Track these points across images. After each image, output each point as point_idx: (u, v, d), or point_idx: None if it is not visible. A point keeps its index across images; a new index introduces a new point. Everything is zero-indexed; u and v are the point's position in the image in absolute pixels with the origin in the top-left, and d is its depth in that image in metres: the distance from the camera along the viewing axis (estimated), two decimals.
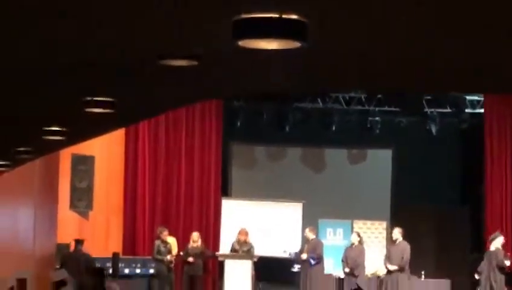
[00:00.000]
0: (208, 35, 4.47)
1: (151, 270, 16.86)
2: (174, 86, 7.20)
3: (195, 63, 5.78)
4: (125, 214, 18.04)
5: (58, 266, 14.74)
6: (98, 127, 9.82)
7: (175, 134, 18.58)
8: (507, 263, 16.11)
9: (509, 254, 16.51)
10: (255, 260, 16.89)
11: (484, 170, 18.95)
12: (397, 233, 16.91)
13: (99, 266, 14.29)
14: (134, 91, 7.38)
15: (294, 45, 3.98)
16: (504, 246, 16.54)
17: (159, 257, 16.68)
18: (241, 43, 3.97)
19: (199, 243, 17.08)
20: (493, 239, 16.35)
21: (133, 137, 18.19)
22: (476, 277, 16.47)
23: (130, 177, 18.13)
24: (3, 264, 13.92)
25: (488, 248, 16.52)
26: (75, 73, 6.28)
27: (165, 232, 16.90)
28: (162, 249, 16.71)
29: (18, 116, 8.53)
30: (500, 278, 15.90)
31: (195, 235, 17.11)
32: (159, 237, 16.89)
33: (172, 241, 16.97)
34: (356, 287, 16.62)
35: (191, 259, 16.79)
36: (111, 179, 17.76)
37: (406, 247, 16.65)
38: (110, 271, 16.00)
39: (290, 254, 17.69)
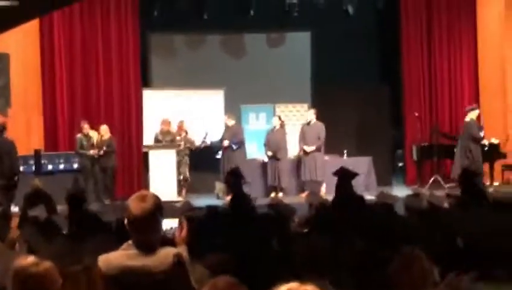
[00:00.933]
0: None
1: (75, 165, 16.77)
2: None
3: None
4: (45, 110, 17.78)
5: None
6: (5, 21, 9.56)
7: (90, 26, 18.19)
8: (481, 134, 16.57)
9: (483, 125, 17.12)
10: (180, 149, 16.96)
11: (401, 47, 19.18)
12: (311, 114, 17.23)
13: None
14: None
15: None
16: (479, 118, 16.98)
17: (82, 151, 16.58)
18: None
19: (107, 135, 16.93)
20: (469, 111, 16.72)
21: (47, 31, 17.77)
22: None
23: (47, 72, 17.78)
24: None
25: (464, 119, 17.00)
26: None
27: (86, 126, 16.77)
28: (84, 143, 16.61)
29: None
30: (475, 147, 16.32)
31: (103, 129, 16.96)
32: (80, 131, 16.77)
33: (94, 134, 16.85)
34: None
35: (101, 152, 16.66)
36: (28, 75, 17.41)
37: (321, 127, 16.99)
38: (33, 168, 15.89)
39: (204, 138, 17.73)
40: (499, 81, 18.44)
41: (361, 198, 9.28)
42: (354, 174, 9.37)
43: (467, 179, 9.41)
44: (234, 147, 17.01)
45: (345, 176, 9.32)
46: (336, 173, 9.95)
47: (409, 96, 19.12)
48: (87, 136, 16.68)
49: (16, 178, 14.03)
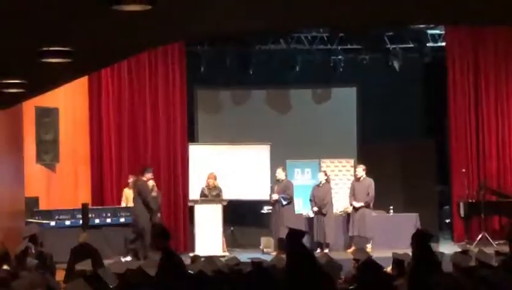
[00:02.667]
0: None
1: (122, 220, 16.82)
2: (130, 32, 7.12)
3: (148, 7, 5.70)
4: (93, 165, 17.93)
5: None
6: (57, 77, 9.72)
7: (138, 81, 18.41)
8: None
9: None
10: (225, 203, 16.96)
11: (447, 102, 19.04)
12: (361, 170, 17.28)
13: None
14: (90, 39, 7.29)
15: None
16: None
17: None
18: None
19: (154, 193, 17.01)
20: None
21: (96, 86, 18.02)
22: None
23: (95, 127, 17.99)
24: None
25: None
26: (29, 22, 6.17)
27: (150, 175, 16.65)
28: None
29: None
30: None
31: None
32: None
33: None
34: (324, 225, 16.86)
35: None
36: (76, 130, 17.63)
37: (371, 183, 17.03)
38: (80, 222, 15.97)
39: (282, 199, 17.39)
40: None
41: (312, 256, 9.24)
42: (302, 234, 9.33)
43: (418, 241, 9.11)
44: (284, 202, 17.02)
45: (293, 236, 9.30)
46: (287, 238, 9.97)
47: (455, 152, 18.90)
48: None
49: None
